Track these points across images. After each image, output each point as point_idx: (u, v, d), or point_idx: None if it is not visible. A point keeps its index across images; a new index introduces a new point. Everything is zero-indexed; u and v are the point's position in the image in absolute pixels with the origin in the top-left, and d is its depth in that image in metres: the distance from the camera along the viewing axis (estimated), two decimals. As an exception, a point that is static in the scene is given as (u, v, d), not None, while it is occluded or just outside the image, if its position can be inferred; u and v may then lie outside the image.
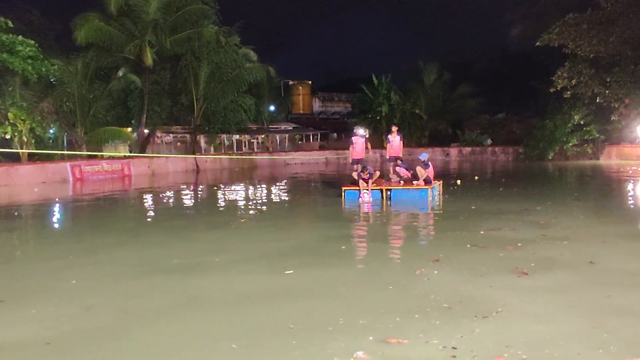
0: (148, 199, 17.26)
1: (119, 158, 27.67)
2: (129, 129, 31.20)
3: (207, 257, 7.74)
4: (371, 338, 4.40)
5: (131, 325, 4.94)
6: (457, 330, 4.51)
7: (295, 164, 35.39)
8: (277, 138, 45.13)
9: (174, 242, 9.06)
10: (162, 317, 5.14)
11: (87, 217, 13.59)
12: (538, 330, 4.51)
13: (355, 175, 14.12)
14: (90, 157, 26.93)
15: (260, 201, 16.20)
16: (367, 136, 15.99)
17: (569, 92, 28.57)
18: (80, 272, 6.98)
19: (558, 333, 4.45)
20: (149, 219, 12.91)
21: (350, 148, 15.18)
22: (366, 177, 13.72)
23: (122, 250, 8.42)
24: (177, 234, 10.02)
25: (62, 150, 26.41)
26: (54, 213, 14.48)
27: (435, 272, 6.53)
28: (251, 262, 7.35)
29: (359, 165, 14.23)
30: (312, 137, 50.00)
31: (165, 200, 17.04)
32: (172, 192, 19.36)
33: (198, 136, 35.18)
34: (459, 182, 18.84)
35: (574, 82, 28.04)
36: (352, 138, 15.32)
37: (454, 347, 4.16)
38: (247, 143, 42.31)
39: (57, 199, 17.18)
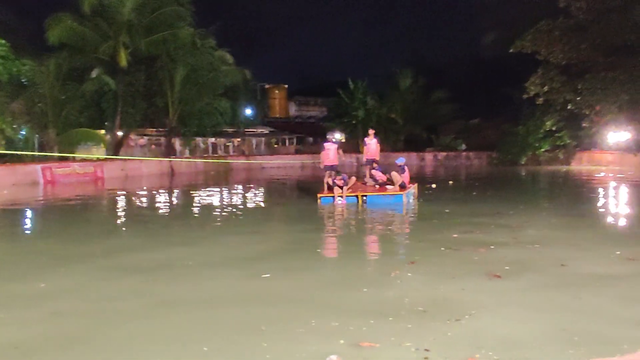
0: (120, 202, 17.02)
1: (92, 160, 27.25)
2: (103, 131, 30.75)
3: (180, 260, 7.65)
4: (342, 341, 4.39)
5: (101, 329, 4.85)
6: (429, 333, 4.53)
7: (272, 167, 35.30)
8: (253, 142, 44.99)
9: (146, 245, 8.95)
10: (133, 320, 5.07)
11: (57, 220, 13.32)
12: (509, 332, 4.55)
13: (329, 181, 14.13)
14: (61, 159, 26.47)
15: (235, 205, 16.10)
16: (339, 142, 15.95)
17: (541, 99, 29.10)
18: (49, 275, 6.85)
19: (529, 335, 4.50)
20: (120, 222, 12.72)
21: (323, 154, 15.10)
22: (340, 183, 13.75)
23: (93, 254, 8.26)
24: (149, 237, 9.89)
25: (32, 152, 25.90)
26: (24, 216, 14.17)
27: (409, 274, 6.56)
28: (225, 265, 7.30)
29: (333, 171, 14.23)
30: (288, 141, 49.97)
31: (138, 204, 16.82)
32: (145, 195, 19.12)
33: (173, 139, 34.85)
34: (433, 186, 19.02)
35: (546, 88, 28.57)
36: (324, 144, 15.25)
37: (426, 350, 4.17)
38: (222, 146, 42.11)
39: (27, 202, 16.81)
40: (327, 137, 15.53)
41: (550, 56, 28.04)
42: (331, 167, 14.55)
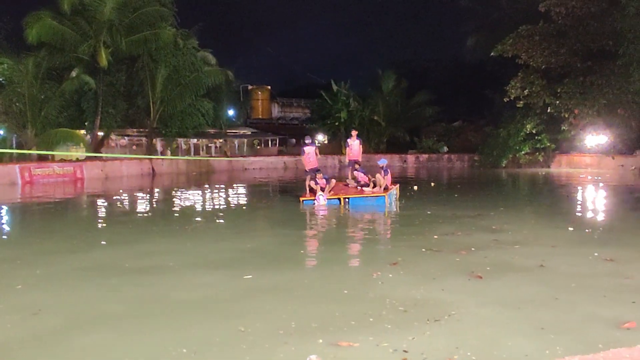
0: (100, 203, 16.82)
1: (71, 161, 26.91)
2: (82, 131, 30.37)
3: (160, 260, 7.59)
4: (321, 341, 4.39)
5: (80, 330, 4.82)
6: (408, 333, 4.55)
7: (254, 169, 35.20)
8: (236, 143, 44.80)
9: (126, 246, 8.87)
10: (112, 321, 5.02)
11: (36, 221, 13.14)
12: (488, 332, 4.59)
13: (312, 184, 14.16)
14: (40, 159, 26.09)
15: (217, 206, 16.02)
16: (316, 143, 15.87)
17: (521, 102, 29.40)
18: (28, 276, 6.75)
19: (507, 334, 4.54)
20: (100, 223, 12.56)
21: (303, 158, 15.02)
22: (322, 183, 13.78)
23: (72, 255, 8.16)
24: (129, 237, 9.80)
25: (10, 153, 25.49)
26: (1, 217, 13.92)
27: (391, 275, 6.60)
28: (206, 266, 7.26)
29: (315, 174, 14.22)
30: (271, 143, 49.86)
31: (118, 204, 16.64)
32: (125, 195, 18.93)
33: (154, 139, 34.56)
34: (415, 188, 19.11)
35: (526, 92, 28.88)
36: (303, 148, 15.08)
37: (405, 350, 4.19)
38: (204, 147, 41.87)
39: (4, 203, 16.54)
40: (306, 140, 15.27)
41: (531, 60, 28.37)
42: (313, 170, 14.52)
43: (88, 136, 30.15)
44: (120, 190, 20.61)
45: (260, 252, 8.34)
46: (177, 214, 14.05)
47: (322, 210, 13.11)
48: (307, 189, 14.28)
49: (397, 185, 15.48)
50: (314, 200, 13.80)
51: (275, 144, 49.94)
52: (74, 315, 5.22)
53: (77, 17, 27.21)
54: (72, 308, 5.46)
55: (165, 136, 34.02)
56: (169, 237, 9.87)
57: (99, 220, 13.16)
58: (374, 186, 14.02)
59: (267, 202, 16.93)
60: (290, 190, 18.29)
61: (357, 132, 16.38)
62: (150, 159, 29.78)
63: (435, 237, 9.22)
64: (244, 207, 15.49)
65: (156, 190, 21.15)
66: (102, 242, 9.22)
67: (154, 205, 16.53)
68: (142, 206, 16.26)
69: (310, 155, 14.86)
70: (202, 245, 8.90)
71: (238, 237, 9.82)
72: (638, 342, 3.19)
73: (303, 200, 14.10)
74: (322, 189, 13.83)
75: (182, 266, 7.27)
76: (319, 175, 13.89)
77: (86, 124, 30.53)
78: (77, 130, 29.12)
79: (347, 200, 13.84)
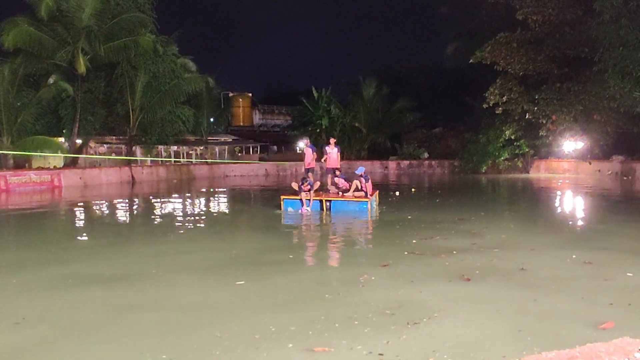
0: (79, 212, 16.58)
1: (48, 168, 26.51)
2: (60, 139, 29.95)
3: (141, 268, 7.52)
4: (291, 346, 4.38)
5: (61, 339, 4.77)
6: (386, 337, 4.56)
7: (235, 176, 35.03)
8: (217, 150, 44.59)
9: (107, 255, 8.74)
10: (92, 330, 4.98)
11: (12, 230, 12.90)
12: (466, 335, 4.61)
13: (295, 186, 14.36)
14: (17, 167, 25.65)
15: (199, 213, 15.89)
16: (313, 147, 16.57)
17: (500, 108, 29.70)
18: (6, 286, 6.63)
19: (485, 337, 4.56)
20: (79, 232, 12.39)
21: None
22: (306, 189, 13.84)
23: (52, 264, 8.03)
24: (109, 245, 9.67)
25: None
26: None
27: (373, 278, 6.67)
28: (190, 273, 7.20)
29: (310, 174, 14.92)
30: (252, 150, 49.74)
31: (97, 213, 16.42)
32: (105, 203, 18.69)
33: (134, 147, 34.23)
34: (397, 194, 19.17)
35: (505, 98, 29.19)
36: (305, 149, 16.55)
37: (380, 354, 4.19)
38: (185, 154, 41.60)
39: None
40: (304, 142, 16.71)
41: (509, 67, 28.70)
42: (308, 170, 15.39)
43: (66, 144, 29.75)
44: (99, 198, 20.35)
45: (244, 257, 8.30)
46: (159, 222, 13.90)
47: (304, 216, 13.14)
48: (297, 188, 14.50)
49: (377, 192, 15.53)
50: (295, 200, 14.00)
51: (257, 151, 49.82)
52: (54, 325, 5.15)
53: (54, 23, 26.86)
54: (53, 317, 5.39)
55: (145, 143, 33.71)
56: (150, 244, 9.76)
57: (78, 229, 12.97)
58: (355, 190, 14.03)
59: (249, 208, 16.85)
60: (272, 197, 18.23)
61: (335, 140, 16.56)
62: (131, 165, 29.47)
63: (418, 241, 9.27)
64: (226, 214, 15.41)
65: (136, 197, 20.93)
66: (82, 251, 9.07)
67: (135, 213, 16.35)
68: (122, 214, 16.06)
69: (306, 155, 16.03)
70: (184, 253, 8.82)
71: (221, 243, 9.79)
72: (614, 341, 3.21)
73: (284, 200, 14.25)
74: (307, 192, 14.04)
75: (163, 273, 7.21)
76: (305, 184, 14.04)
77: (64, 131, 30.14)
78: (55, 138, 28.71)
79: (328, 204, 13.88)
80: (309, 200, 13.81)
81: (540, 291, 5.98)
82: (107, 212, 16.55)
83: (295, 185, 14.55)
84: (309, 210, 13.77)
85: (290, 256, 8.41)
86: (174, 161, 36.72)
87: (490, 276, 6.70)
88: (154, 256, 8.53)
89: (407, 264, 7.51)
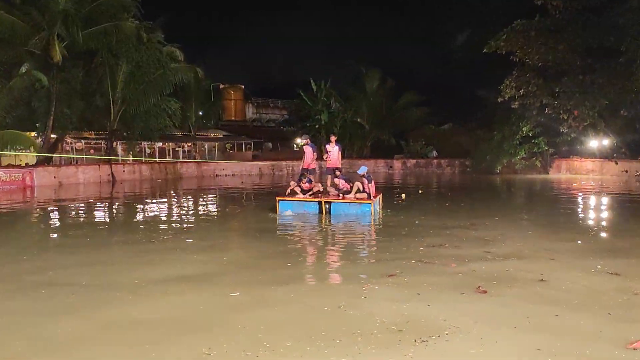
0: (52, 214, 16.49)
1: (20, 167, 26.41)
2: (33, 134, 29.84)
3: (122, 277, 7.46)
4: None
5: (38, 355, 4.74)
6: (391, 355, 4.52)
7: (226, 175, 34.98)
8: (206, 147, 44.52)
9: (84, 261, 8.67)
10: (67, 344, 4.91)
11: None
12: (479, 354, 4.55)
13: (293, 185, 14.54)
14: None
15: (186, 216, 15.82)
16: (314, 146, 16.49)
17: (517, 102, 29.64)
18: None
19: (500, 357, 4.50)
20: (52, 236, 12.30)
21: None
22: (306, 187, 13.91)
23: (22, 271, 7.94)
24: (87, 251, 9.60)
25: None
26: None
27: (377, 287, 6.64)
28: (177, 283, 7.13)
29: (311, 176, 14.91)
30: (245, 147, 49.65)
31: (73, 215, 16.33)
32: (81, 205, 18.60)
33: (115, 143, 34.14)
34: (403, 196, 19.11)
35: (522, 91, 29.13)
36: (303, 147, 16.23)
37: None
38: (171, 151, 41.50)
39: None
40: (301, 140, 16.51)
41: (526, 57, 28.65)
42: (307, 171, 15.22)
43: (39, 139, 29.63)
44: (75, 199, 20.26)
45: (237, 266, 8.26)
46: (141, 225, 13.82)
47: (301, 219, 13.13)
48: (297, 190, 14.65)
49: (381, 195, 15.48)
50: (292, 202, 14.07)
51: (250, 148, 49.75)
52: (30, 339, 5.10)
53: (28, 6, 26.76)
54: (28, 331, 5.34)
55: (127, 139, 33.61)
56: (133, 250, 9.68)
57: (50, 234, 12.87)
58: (357, 192, 13.97)
59: (241, 211, 16.78)
60: (267, 199, 18.16)
61: (335, 138, 16.49)
62: (111, 163, 29.39)
63: (426, 249, 9.22)
64: (217, 218, 15.33)
65: (117, 198, 20.84)
66: (57, 258, 8.98)
67: (114, 216, 16.27)
68: (102, 216, 15.98)
69: (306, 154, 15.73)
70: (170, 260, 8.75)
71: (212, 250, 9.73)
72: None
73: (279, 201, 14.29)
74: (305, 192, 14.17)
75: (148, 283, 7.14)
76: (303, 181, 14.22)
77: (37, 125, 30.01)
78: (27, 133, 28.60)
79: (328, 206, 13.83)
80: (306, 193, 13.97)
81: (562, 305, 5.91)
82: (83, 214, 16.45)
83: (293, 185, 14.57)
84: (307, 212, 13.78)
85: (288, 264, 8.34)
86: (159, 159, 36.65)
87: (506, 288, 6.64)
88: (135, 264, 8.46)
89: (414, 274, 7.45)
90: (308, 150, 15.91)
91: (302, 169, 15.64)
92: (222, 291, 6.67)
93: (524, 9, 29.02)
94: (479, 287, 6.61)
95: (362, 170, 14.35)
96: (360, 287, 6.69)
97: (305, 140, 16.63)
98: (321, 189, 14.70)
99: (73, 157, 32.51)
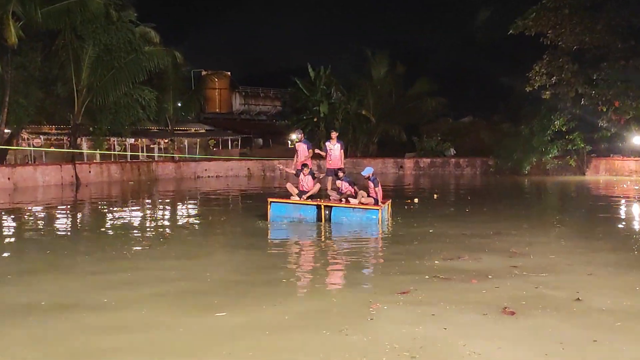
0: (4, 221, 16.49)
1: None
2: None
3: (89, 297, 7.42)
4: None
5: None
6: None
7: (209, 176, 35.03)
8: (185, 143, 44.59)
9: (43, 279, 8.65)
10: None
11: None
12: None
13: (290, 188, 14.61)
14: None
15: (163, 225, 15.82)
16: (309, 143, 16.39)
17: (548, 92, 29.69)
18: None
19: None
20: (5, 250, 12.28)
21: (295, 156, 15.93)
22: (306, 172, 14.48)
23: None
24: (46, 267, 9.58)
25: None
26: None
27: (386, 307, 6.64)
28: (155, 302, 7.13)
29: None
30: (231, 143, 49.73)
31: (26, 224, 16.31)
32: (40, 211, 18.59)
33: (79, 139, 34.15)
34: (416, 201, 19.13)
35: (554, 79, 29.17)
36: (296, 144, 16.13)
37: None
38: (145, 149, 41.53)
39: None
40: (296, 135, 16.31)
41: (559, 39, 28.69)
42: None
43: (-9, 134, 29.65)
44: (33, 205, 20.25)
45: (222, 283, 8.25)
46: (110, 236, 13.81)
47: (295, 228, 13.17)
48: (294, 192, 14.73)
49: (390, 201, 15.50)
50: (286, 204, 14.25)
51: (237, 145, 49.80)
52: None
53: (-23, -20, 26.80)
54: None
55: (94, 135, 33.61)
56: (103, 266, 9.65)
57: (4, 245, 12.86)
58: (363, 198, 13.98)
59: (227, 219, 16.78)
60: (257, 204, 18.17)
61: (337, 134, 16.46)
62: (75, 163, 29.38)
63: (442, 262, 9.22)
64: (197, 227, 15.33)
65: (81, 204, 20.84)
66: (8, 276, 8.97)
67: (80, 225, 16.27)
68: (64, 225, 15.97)
69: (300, 152, 15.71)
70: (146, 275, 8.76)
71: (193, 264, 9.74)
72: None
73: (271, 203, 14.43)
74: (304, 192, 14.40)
75: (119, 302, 7.15)
76: (305, 170, 14.49)
77: (-12, 118, 30.03)
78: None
79: (327, 212, 13.84)
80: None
81: (601, 329, 5.92)
82: (40, 222, 16.45)
83: (290, 188, 14.59)
84: (304, 216, 13.89)
85: (283, 280, 8.34)
86: (131, 157, 36.66)
87: (536, 309, 6.63)
88: (105, 282, 8.40)
89: (429, 291, 7.45)
90: (302, 148, 15.84)
91: (297, 169, 15.58)
92: (206, 312, 6.67)
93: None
94: (505, 308, 6.61)
95: (367, 171, 14.34)
96: (365, 307, 6.68)
97: (299, 135, 16.52)
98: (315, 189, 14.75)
99: (30, 152, 32.47)
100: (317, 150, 16.60)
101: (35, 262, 10.05)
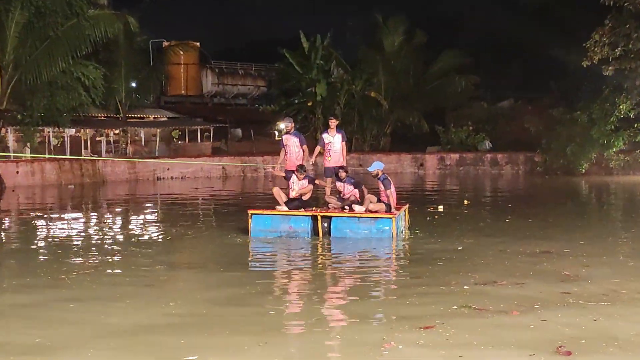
0: None
1: None
2: None
3: (18, 338, 7.42)
4: None
5: None
6: None
7: (173, 178, 35.04)
8: (142, 135, 44.59)
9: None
10: None
11: None
12: None
13: (277, 193, 14.61)
14: None
15: (112, 241, 15.80)
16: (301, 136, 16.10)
17: (611, 68, 29.68)
18: None
19: None
20: None
21: (282, 153, 15.65)
22: (301, 176, 14.38)
23: None
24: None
25: None
26: None
27: (401, 347, 6.64)
28: (105, 344, 7.11)
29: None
30: (201, 135, 49.68)
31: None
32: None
33: (4, 130, 34.15)
34: (440, 208, 19.15)
35: (618, 51, 29.16)
36: (284, 137, 15.79)
37: None
38: (89, 142, 41.46)
39: None
40: (284, 125, 15.93)
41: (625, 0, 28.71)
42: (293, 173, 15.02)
43: None
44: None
45: (191, 317, 8.22)
46: (45, 258, 13.80)
47: (284, 245, 13.29)
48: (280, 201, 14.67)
49: (407, 206, 15.51)
50: (271, 216, 14.25)
51: (209, 137, 49.77)
52: None
53: None
54: None
55: (23, 124, 33.56)
56: (34, 294, 9.67)
57: None
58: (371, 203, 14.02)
59: (195, 233, 16.78)
60: (234, 214, 18.20)
61: (337, 122, 16.36)
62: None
63: (473, 287, 9.23)
64: (157, 244, 15.35)
65: (7, 213, 20.86)
66: None
67: (5, 240, 16.28)
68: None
69: (291, 149, 15.39)
70: (91, 306, 8.76)
71: (152, 292, 9.76)
72: None
73: (253, 215, 14.38)
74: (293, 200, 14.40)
75: (59, 345, 7.14)
76: (300, 173, 14.38)
77: None
78: None
79: (325, 224, 13.85)
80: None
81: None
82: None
83: (277, 194, 14.58)
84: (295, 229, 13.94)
85: (271, 312, 8.37)
86: (71, 153, 36.67)
87: (595, 348, 6.66)
88: (38, 319, 8.40)
89: (457, 325, 7.45)
90: (292, 142, 15.58)
91: (286, 170, 15.44)
92: (171, 356, 6.67)
93: None
94: (559, 347, 6.63)
95: (375, 167, 14.29)
96: (377, 348, 6.66)
97: (289, 125, 16.09)
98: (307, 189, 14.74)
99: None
100: (317, 149, 16.42)
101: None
